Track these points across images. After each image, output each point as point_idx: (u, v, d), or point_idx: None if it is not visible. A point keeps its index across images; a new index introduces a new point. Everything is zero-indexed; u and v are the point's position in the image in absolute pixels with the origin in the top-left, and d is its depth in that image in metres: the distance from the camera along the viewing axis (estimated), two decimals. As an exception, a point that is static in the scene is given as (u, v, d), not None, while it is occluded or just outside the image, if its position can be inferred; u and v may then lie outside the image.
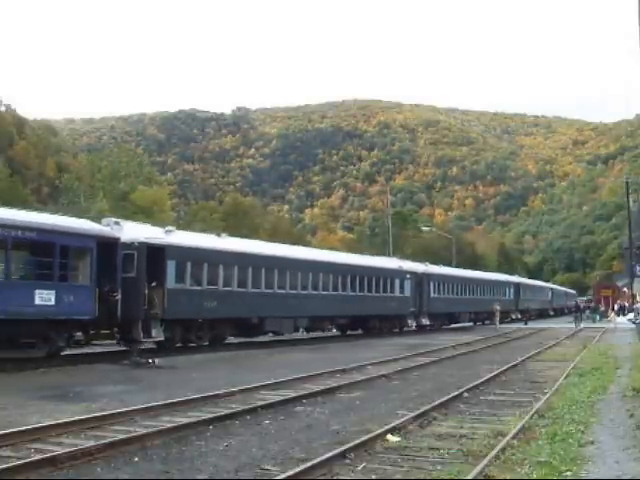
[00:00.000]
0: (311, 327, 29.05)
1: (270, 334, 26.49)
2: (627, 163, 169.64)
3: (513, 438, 7.55)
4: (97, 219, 21.38)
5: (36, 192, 70.72)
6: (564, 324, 46.06)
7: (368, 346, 24.99)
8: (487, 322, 45.61)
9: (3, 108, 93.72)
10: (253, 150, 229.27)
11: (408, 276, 35.44)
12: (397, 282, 34.44)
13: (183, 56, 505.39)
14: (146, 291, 19.26)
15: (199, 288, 21.58)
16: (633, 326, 36.13)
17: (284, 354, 21.16)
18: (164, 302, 19.70)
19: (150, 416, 9.18)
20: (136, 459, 6.88)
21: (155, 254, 19.64)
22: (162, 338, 19.89)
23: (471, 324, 45.52)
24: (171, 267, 20.48)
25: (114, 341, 19.68)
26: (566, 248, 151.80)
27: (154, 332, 19.46)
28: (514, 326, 44.66)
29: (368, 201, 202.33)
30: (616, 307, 58.22)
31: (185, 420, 8.74)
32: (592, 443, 7.41)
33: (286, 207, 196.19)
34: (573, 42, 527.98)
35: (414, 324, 35.94)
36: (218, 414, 9.18)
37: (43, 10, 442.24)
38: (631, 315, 45.22)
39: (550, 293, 71.23)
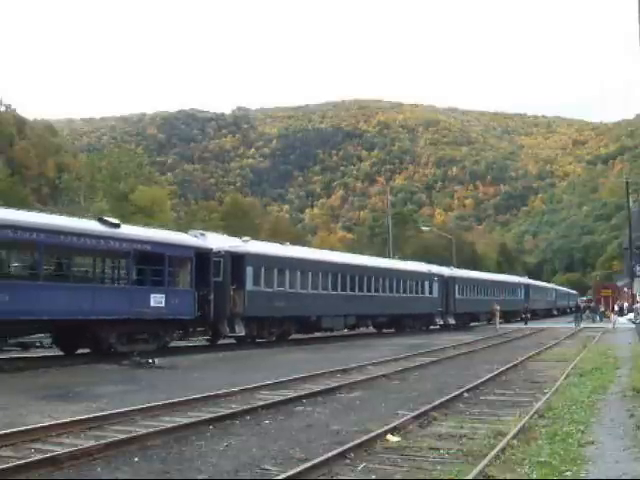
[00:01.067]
0: (356, 325, 32.06)
1: (324, 331, 29.46)
2: (627, 163, 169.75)
3: (513, 438, 7.55)
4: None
5: (36, 192, 70.76)
6: (564, 324, 46.07)
7: (368, 346, 24.99)
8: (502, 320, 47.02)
9: (3, 108, 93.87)
10: (253, 150, 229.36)
11: (436, 279, 38.67)
12: (427, 284, 37.74)
13: (183, 56, 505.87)
14: (231, 293, 22.58)
15: (271, 290, 24.68)
16: (633, 326, 36.16)
17: (284, 354, 21.15)
18: (244, 302, 23.02)
19: (150, 416, 9.17)
20: (136, 459, 6.87)
21: (237, 261, 23.02)
22: (243, 333, 23.15)
23: (485, 323, 47.44)
24: (249, 272, 23.72)
25: (207, 337, 23.32)
26: (566, 248, 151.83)
27: (237, 328, 22.90)
28: (514, 326, 44.66)
29: (368, 201, 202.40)
30: (616, 307, 58.24)
31: (185, 420, 8.73)
32: (592, 443, 7.41)
33: (286, 207, 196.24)
34: (573, 42, 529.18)
35: (441, 322, 39.35)
36: (218, 414, 9.17)
37: (43, 10, 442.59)
38: (631, 315, 45.26)
39: (554, 294, 73.84)
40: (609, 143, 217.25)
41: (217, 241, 23.43)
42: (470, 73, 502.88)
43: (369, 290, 31.80)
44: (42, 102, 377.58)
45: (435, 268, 40.62)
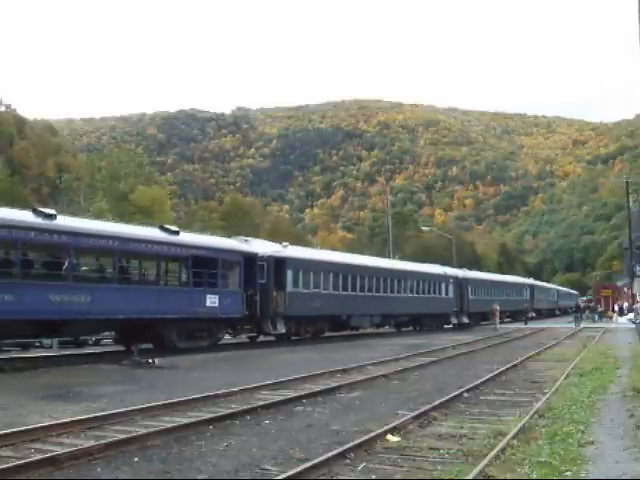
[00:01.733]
0: (381, 323, 34.59)
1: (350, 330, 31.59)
2: (627, 163, 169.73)
3: (513, 438, 7.54)
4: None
5: (36, 192, 70.71)
6: (564, 324, 46.06)
7: (368, 346, 24.99)
8: (507, 320, 50.42)
9: (3, 108, 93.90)
10: (253, 150, 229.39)
11: (451, 280, 41.03)
12: (443, 286, 40.10)
13: (183, 56, 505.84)
14: (274, 294, 24.59)
15: (308, 291, 26.77)
16: (633, 326, 36.17)
17: (284, 354, 21.15)
18: (285, 302, 25.06)
19: (150, 416, 9.17)
20: (136, 459, 6.87)
21: (278, 265, 25.08)
22: (284, 331, 25.27)
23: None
24: (289, 275, 25.73)
25: (254, 334, 25.39)
26: (566, 248, 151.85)
27: (279, 326, 25.02)
28: (514, 326, 44.66)
29: (368, 201, 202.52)
30: (616, 307, 58.25)
31: (185, 420, 8.73)
32: (592, 443, 7.41)
33: (286, 207, 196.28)
34: (573, 42, 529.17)
35: (456, 321, 41.70)
36: (218, 414, 9.16)
37: (43, 10, 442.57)
38: (631, 315, 45.27)
39: (556, 294, 76.11)
40: (609, 143, 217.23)
41: (260, 246, 25.82)
42: (470, 73, 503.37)
43: (392, 291, 33.94)
44: (42, 102, 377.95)
45: (451, 270, 43.12)
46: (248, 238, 26.95)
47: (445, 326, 40.77)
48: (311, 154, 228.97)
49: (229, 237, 25.85)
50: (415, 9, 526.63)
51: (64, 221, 17.65)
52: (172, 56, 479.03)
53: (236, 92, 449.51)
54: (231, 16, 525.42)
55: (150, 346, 19.64)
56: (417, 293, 36.70)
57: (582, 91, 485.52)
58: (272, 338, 25.92)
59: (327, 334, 29.98)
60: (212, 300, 21.58)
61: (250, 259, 23.57)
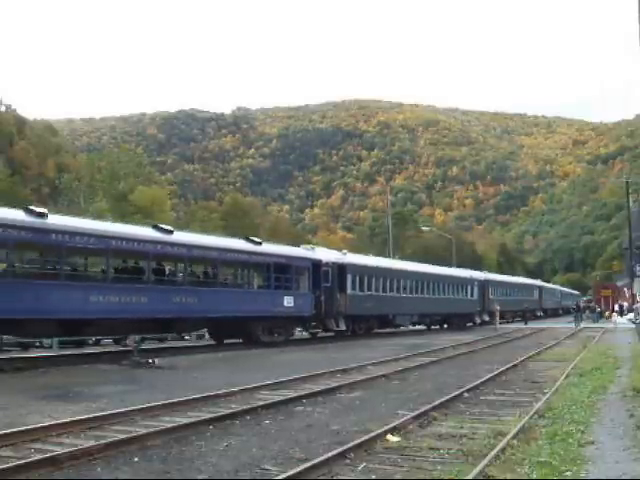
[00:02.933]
0: (418, 322, 38.52)
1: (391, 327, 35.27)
2: (627, 163, 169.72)
3: (513, 438, 7.54)
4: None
5: (36, 192, 70.69)
6: (564, 324, 46.05)
7: (368, 346, 25.00)
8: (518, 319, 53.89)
9: (3, 108, 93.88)
10: (253, 150, 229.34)
11: (476, 283, 44.92)
12: (469, 288, 43.93)
13: (183, 56, 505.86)
14: (337, 295, 28.07)
15: (363, 293, 30.49)
16: (633, 326, 36.15)
17: (284, 354, 21.15)
18: (346, 303, 28.70)
19: (150, 416, 9.17)
20: (136, 459, 6.87)
21: (340, 270, 28.72)
22: (344, 328, 29.11)
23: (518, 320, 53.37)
24: (349, 279, 29.39)
25: (319, 330, 29.57)
26: (566, 248, 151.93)
27: (340, 324, 28.82)
28: (514, 326, 44.68)
29: (368, 201, 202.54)
30: (616, 307, 58.25)
31: (185, 420, 8.72)
32: (592, 443, 7.41)
33: (286, 207, 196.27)
34: (573, 42, 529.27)
35: (479, 320, 45.53)
36: (218, 414, 9.16)
37: (43, 10, 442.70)
38: (631, 315, 45.25)
39: (560, 294, 79.49)
40: (609, 143, 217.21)
41: (324, 254, 29.39)
42: (470, 73, 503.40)
43: (428, 293, 37.73)
44: (42, 102, 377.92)
45: (474, 273, 47.37)
46: (313, 246, 31.33)
47: (467, 324, 43.90)
48: (311, 154, 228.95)
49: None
50: (415, 9, 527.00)
51: (180, 236, 21.76)
52: (172, 56, 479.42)
53: (236, 92, 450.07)
54: (231, 16, 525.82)
55: (150, 346, 19.73)
56: (449, 295, 40.61)
57: (582, 91, 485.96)
58: (331, 334, 29.47)
59: (327, 335, 30.24)
60: (288, 301, 25.18)
61: (317, 265, 27.37)
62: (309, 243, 39.13)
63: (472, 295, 43.98)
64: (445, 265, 48.65)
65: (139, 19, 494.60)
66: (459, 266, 52.73)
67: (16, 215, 16.51)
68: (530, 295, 60.61)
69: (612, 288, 73.39)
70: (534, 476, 6.08)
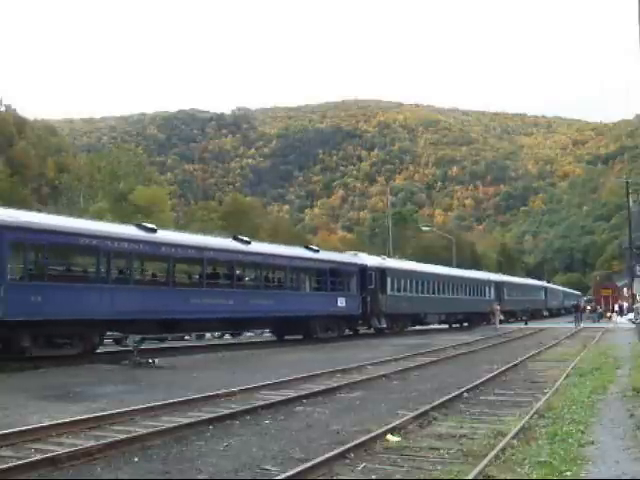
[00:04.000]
0: (444, 321, 41.93)
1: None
2: (627, 163, 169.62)
3: (513, 438, 7.54)
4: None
5: (36, 192, 70.66)
6: (564, 324, 46.05)
7: (368, 346, 25.01)
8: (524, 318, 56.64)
9: (3, 108, 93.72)
10: (253, 150, 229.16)
11: (492, 284, 48.88)
12: (487, 289, 47.80)
13: (183, 56, 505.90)
14: (380, 296, 31.26)
15: (400, 294, 33.78)
16: (633, 326, 36.16)
17: (284, 354, 21.16)
18: (386, 303, 31.94)
19: (150, 416, 9.17)
20: (136, 459, 6.87)
21: (382, 273, 32.01)
22: (385, 326, 32.54)
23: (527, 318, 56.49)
24: (389, 282, 32.66)
25: (366, 327, 32.71)
26: (566, 248, 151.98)
27: (382, 322, 32.19)
28: (514, 326, 44.69)
29: (368, 201, 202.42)
30: (616, 307, 58.25)
31: (185, 420, 8.72)
32: (592, 443, 7.40)
33: (286, 207, 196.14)
34: (573, 42, 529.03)
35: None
36: (218, 414, 9.16)
37: (43, 10, 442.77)
38: (631, 315, 45.26)
39: (562, 294, 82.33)
40: (609, 143, 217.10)
41: (367, 259, 32.75)
42: (470, 73, 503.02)
43: (453, 294, 41.09)
44: (42, 102, 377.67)
45: (492, 276, 52.29)
46: (358, 253, 34.59)
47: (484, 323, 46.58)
48: (311, 154, 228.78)
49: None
50: (415, 9, 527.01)
51: (256, 246, 25.39)
52: (172, 56, 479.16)
53: (236, 92, 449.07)
54: (231, 16, 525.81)
55: (152, 346, 19.78)
56: (470, 295, 44.11)
57: (582, 91, 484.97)
58: (371, 331, 32.86)
59: (327, 336, 30.22)
60: (341, 301, 28.68)
61: (363, 270, 30.79)
62: (309, 243, 39.48)
63: (490, 295, 47.57)
64: (445, 265, 48.81)
65: (139, 19, 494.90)
66: (458, 266, 52.94)
67: (130, 230, 20.02)
68: (537, 295, 64.64)
69: (612, 288, 73.44)
70: (534, 476, 6.08)
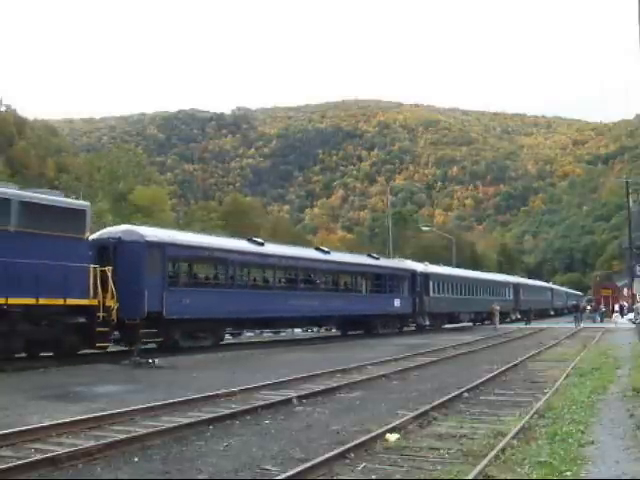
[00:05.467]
0: (473, 319, 46.57)
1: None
2: (627, 163, 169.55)
3: (513, 438, 7.55)
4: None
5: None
6: (564, 324, 46.04)
7: (368, 346, 25.01)
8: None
9: (3, 108, 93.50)
10: (253, 150, 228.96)
11: (511, 286, 54.79)
12: (506, 290, 53.40)
13: (183, 56, 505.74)
14: (425, 298, 36.03)
15: (440, 296, 38.48)
16: (633, 326, 36.15)
17: (284, 354, 21.16)
18: (430, 304, 36.71)
19: (150, 416, 9.17)
20: (136, 459, 6.87)
21: (426, 277, 36.94)
22: (429, 323, 37.71)
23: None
24: (432, 284, 37.42)
25: (414, 325, 37.49)
26: (566, 248, 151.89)
27: (426, 320, 37.40)
28: (514, 326, 44.70)
29: (368, 201, 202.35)
30: (616, 307, 58.22)
31: (185, 420, 8.72)
32: (592, 443, 7.41)
33: (286, 207, 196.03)
34: (573, 42, 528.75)
35: (513, 317, 54.22)
36: (218, 414, 9.17)
37: (43, 10, 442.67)
38: (631, 315, 45.25)
39: (565, 295, 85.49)
40: (609, 143, 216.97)
41: (415, 265, 37.48)
42: (470, 73, 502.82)
43: (480, 294, 45.91)
44: (42, 102, 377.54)
45: (510, 278, 59.03)
46: (404, 259, 40.14)
47: (506, 320, 50.81)
48: (311, 154, 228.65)
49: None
50: (415, 9, 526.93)
51: (335, 256, 30.54)
52: (172, 56, 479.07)
53: (236, 92, 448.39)
54: (231, 16, 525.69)
55: (153, 346, 19.81)
56: (494, 296, 48.25)
57: (582, 91, 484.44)
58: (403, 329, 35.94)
59: (327, 335, 31.62)
60: (397, 302, 33.35)
61: (413, 274, 35.64)
62: (309, 243, 40.75)
63: (509, 296, 53.22)
64: (447, 265, 49.09)
65: (139, 19, 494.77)
66: (458, 266, 53.10)
67: (244, 244, 24.81)
68: (545, 296, 70.18)
69: (612, 288, 73.38)
70: (534, 476, 6.08)
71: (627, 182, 48.29)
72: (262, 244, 25.43)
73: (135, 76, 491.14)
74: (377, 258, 34.14)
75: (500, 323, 43.70)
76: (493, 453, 6.74)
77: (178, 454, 7.13)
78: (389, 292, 33.23)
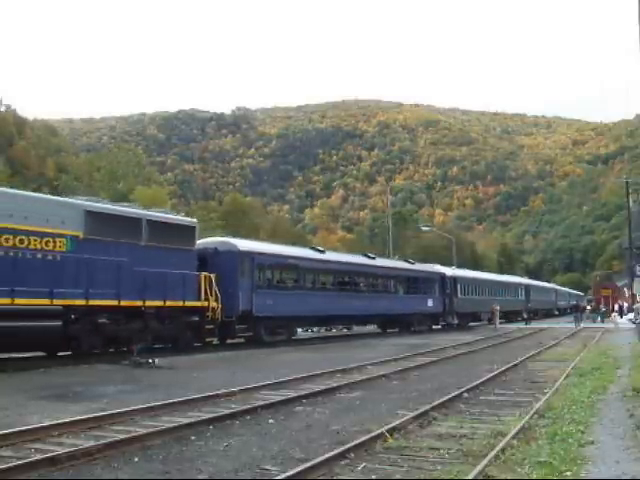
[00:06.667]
0: (490, 318, 47.57)
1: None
2: (627, 163, 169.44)
3: (513, 438, 7.54)
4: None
5: (36, 192, 70.41)
6: (564, 324, 46.04)
7: (368, 346, 25.01)
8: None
9: (3, 108, 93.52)
10: (253, 150, 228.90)
11: (523, 287, 59.62)
12: (519, 290, 57.99)
13: (183, 56, 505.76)
14: (453, 299, 39.99)
15: (466, 297, 42.16)
16: (633, 326, 36.14)
17: (284, 354, 21.15)
18: (457, 304, 40.41)
19: (150, 416, 9.17)
20: (136, 459, 6.87)
21: (454, 280, 40.75)
22: (456, 322, 40.94)
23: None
24: (459, 287, 41.23)
25: (444, 323, 40.97)
26: (566, 248, 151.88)
27: (454, 319, 40.87)
28: (514, 326, 44.70)
29: (368, 201, 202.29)
30: (616, 307, 58.25)
31: (185, 420, 8.72)
32: (592, 443, 7.40)
33: (286, 207, 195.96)
34: (573, 42, 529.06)
35: (525, 315, 57.32)
36: (218, 414, 9.16)
37: (43, 10, 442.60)
38: (631, 315, 45.24)
39: (568, 295, 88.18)
40: (609, 143, 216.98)
41: (443, 269, 41.51)
42: (470, 73, 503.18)
43: (498, 295, 49.81)
44: (42, 102, 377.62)
45: (522, 280, 64.48)
46: (434, 265, 42.72)
47: (518, 318, 54.65)
48: (311, 154, 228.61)
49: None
50: (415, 9, 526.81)
51: (380, 262, 34.66)
52: (172, 56, 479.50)
53: (236, 92, 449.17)
54: (231, 16, 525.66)
55: (153, 346, 19.78)
56: (509, 296, 53.27)
57: (582, 91, 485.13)
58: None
59: (326, 335, 32.05)
60: (429, 302, 37.36)
61: (443, 278, 39.57)
62: (309, 243, 41.53)
63: (521, 296, 57.44)
64: (445, 265, 49.28)
65: (139, 19, 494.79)
66: (459, 266, 53.06)
67: (310, 252, 29.17)
68: (550, 296, 74.24)
69: (612, 288, 73.44)
70: (534, 476, 6.08)
71: (627, 182, 48.23)
72: (323, 252, 29.97)
73: (135, 76, 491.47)
74: (412, 263, 38.76)
75: (512, 321, 46.28)
76: (493, 453, 6.74)
77: (178, 454, 7.13)
78: (423, 293, 37.16)
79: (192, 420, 8.68)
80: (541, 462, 6.46)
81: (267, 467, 6.53)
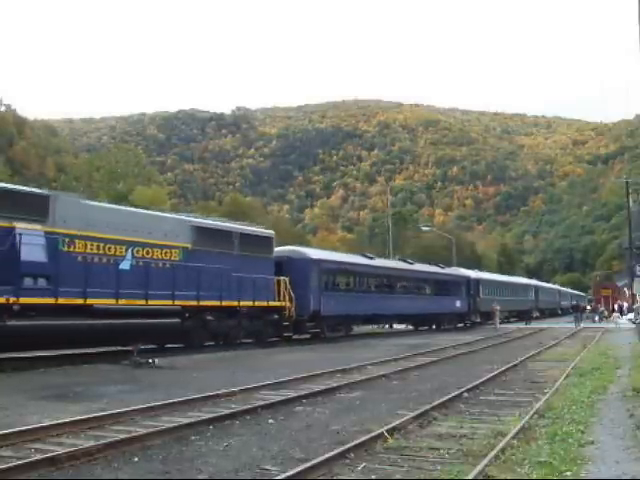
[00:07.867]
0: (507, 315, 52.76)
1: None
2: (627, 163, 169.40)
3: (513, 438, 7.54)
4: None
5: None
6: (564, 324, 46.04)
7: (368, 346, 25.01)
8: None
9: (3, 108, 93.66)
10: (253, 150, 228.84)
11: (532, 288, 64.04)
12: (529, 291, 62.19)
13: (183, 56, 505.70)
14: (477, 299, 44.17)
15: (487, 297, 45.87)
16: (633, 326, 36.15)
17: (284, 354, 21.15)
18: (481, 304, 44.50)
19: (150, 416, 9.16)
20: (136, 459, 6.87)
21: (477, 283, 45.26)
22: (479, 320, 45.45)
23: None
24: (481, 289, 45.53)
25: (469, 321, 45.02)
26: (566, 248, 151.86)
27: (478, 317, 45.35)
28: (514, 326, 44.71)
29: (368, 201, 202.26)
30: (616, 307, 58.25)
31: (185, 420, 8.72)
32: (592, 443, 7.40)
33: (286, 207, 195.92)
34: (573, 42, 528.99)
35: (535, 315, 60.70)
36: (218, 414, 9.16)
37: (43, 10, 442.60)
38: (631, 315, 45.26)
39: (570, 295, 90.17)
40: (609, 143, 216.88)
41: (468, 272, 45.66)
42: (470, 73, 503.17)
43: (514, 296, 54.36)
44: (42, 102, 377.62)
45: (531, 281, 69.01)
46: (459, 268, 47.38)
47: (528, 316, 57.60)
48: (311, 154, 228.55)
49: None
50: (415, 9, 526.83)
51: (416, 266, 38.72)
52: (172, 56, 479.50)
53: (236, 92, 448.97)
54: (231, 16, 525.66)
55: (154, 346, 19.85)
56: (522, 297, 57.79)
57: (582, 91, 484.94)
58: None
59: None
60: (457, 303, 41.30)
61: (468, 280, 43.72)
62: (309, 243, 42.28)
63: (532, 297, 61.98)
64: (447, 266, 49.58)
65: (139, 19, 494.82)
66: (459, 266, 53.09)
67: (362, 259, 32.97)
68: (554, 297, 78.22)
69: (612, 288, 73.44)
70: (534, 476, 6.08)
71: (627, 182, 48.22)
72: (372, 258, 33.95)
73: (135, 76, 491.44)
74: (442, 267, 42.20)
75: (517, 321, 49.77)
76: (493, 453, 6.74)
77: (178, 454, 7.13)
78: (452, 295, 40.79)
79: (192, 420, 8.67)
80: (541, 462, 6.46)
81: (267, 467, 6.53)
